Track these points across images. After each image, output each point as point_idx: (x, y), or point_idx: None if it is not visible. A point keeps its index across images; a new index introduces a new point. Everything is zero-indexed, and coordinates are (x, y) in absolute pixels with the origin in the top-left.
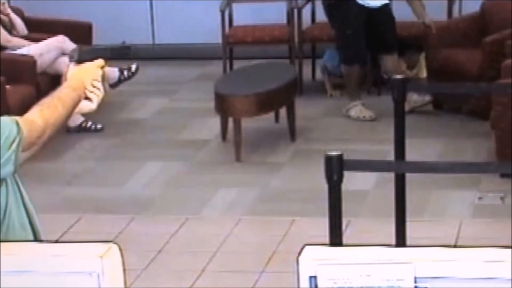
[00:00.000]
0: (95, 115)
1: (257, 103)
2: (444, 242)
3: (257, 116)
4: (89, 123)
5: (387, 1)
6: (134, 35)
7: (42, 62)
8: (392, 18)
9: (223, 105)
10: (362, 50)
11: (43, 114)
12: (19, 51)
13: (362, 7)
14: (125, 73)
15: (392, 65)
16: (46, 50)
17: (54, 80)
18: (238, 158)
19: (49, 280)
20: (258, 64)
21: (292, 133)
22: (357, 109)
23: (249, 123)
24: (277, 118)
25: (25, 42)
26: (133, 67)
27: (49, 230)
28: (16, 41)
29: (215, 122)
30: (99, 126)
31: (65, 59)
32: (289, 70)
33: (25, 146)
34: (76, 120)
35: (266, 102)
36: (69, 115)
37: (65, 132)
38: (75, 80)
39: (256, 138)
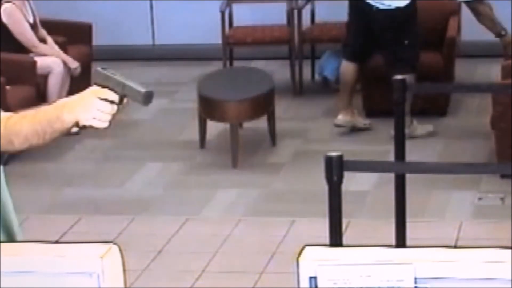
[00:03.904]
0: None
1: (253, 108)
2: (444, 243)
3: (254, 120)
4: None
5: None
6: (134, 35)
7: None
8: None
9: (217, 111)
10: (355, 49)
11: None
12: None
13: (361, 7)
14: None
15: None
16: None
17: None
18: (234, 165)
19: (49, 281)
20: (234, 68)
21: (272, 137)
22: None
23: (248, 124)
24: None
25: (52, 51)
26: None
27: (49, 231)
28: (43, 48)
29: (215, 122)
30: None
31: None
32: (265, 76)
33: None
34: None
35: (260, 106)
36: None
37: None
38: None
39: (256, 139)
